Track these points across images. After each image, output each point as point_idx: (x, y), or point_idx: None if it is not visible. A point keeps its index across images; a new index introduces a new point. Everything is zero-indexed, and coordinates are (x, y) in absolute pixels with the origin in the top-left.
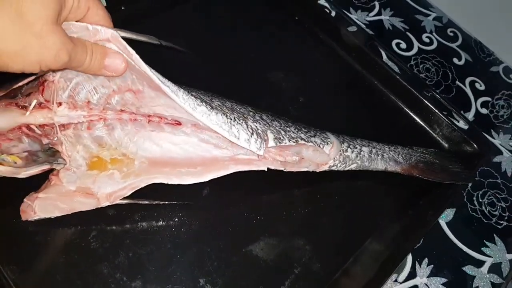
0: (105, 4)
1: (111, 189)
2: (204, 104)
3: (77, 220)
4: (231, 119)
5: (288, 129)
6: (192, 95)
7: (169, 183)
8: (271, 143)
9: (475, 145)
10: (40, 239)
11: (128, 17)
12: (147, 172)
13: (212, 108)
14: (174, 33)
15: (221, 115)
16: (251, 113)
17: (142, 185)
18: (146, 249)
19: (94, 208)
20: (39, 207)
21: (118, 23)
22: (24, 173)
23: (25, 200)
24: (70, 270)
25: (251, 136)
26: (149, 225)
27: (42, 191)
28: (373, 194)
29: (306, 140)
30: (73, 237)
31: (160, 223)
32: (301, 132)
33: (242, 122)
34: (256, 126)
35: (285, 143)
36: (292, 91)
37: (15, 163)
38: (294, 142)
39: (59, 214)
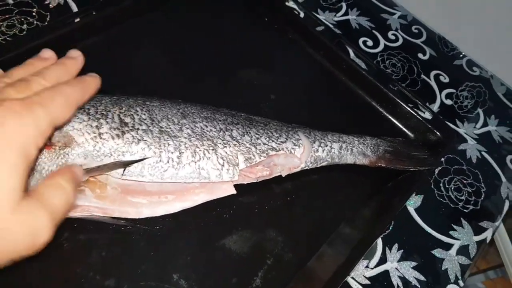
0: (75, 10)
1: (79, 203)
2: (171, 162)
3: None
4: (199, 160)
5: (258, 141)
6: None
7: (140, 217)
8: (242, 165)
9: (439, 134)
10: None
11: (98, 23)
12: (121, 201)
13: (179, 161)
14: (144, 35)
15: (189, 164)
16: (221, 132)
17: (114, 215)
18: (119, 248)
19: None
20: None
21: (88, 29)
22: None
23: None
24: (44, 270)
25: (222, 169)
26: (122, 224)
27: None
28: (342, 184)
29: (277, 149)
30: None
31: (132, 222)
32: (272, 140)
33: (211, 155)
34: (226, 152)
35: (256, 161)
36: (264, 88)
37: None
38: (265, 156)
39: None
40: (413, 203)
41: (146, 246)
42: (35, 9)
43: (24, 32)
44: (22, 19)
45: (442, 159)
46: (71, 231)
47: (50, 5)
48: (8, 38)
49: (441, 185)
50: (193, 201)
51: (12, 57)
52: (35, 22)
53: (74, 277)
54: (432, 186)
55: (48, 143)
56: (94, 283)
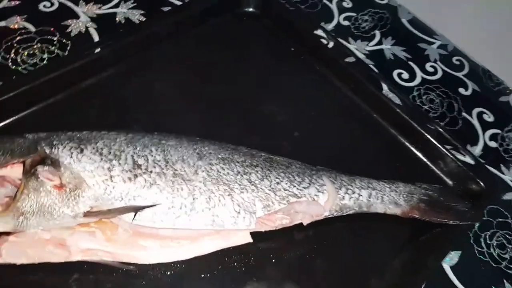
0: (96, 38)
1: (89, 246)
2: (183, 208)
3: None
4: (214, 207)
5: (279, 186)
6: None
7: (150, 262)
8: (260, 213)
9: (481, 183)
10: (19, 282)
11: (119, 51)
12: (132, 245)
13: (192, 208)
14: (165, 66)
15: (202, 211)
16: (238, 176)
17: (123, 260)
18: None
19: (64, 260)
20: (6, 251)
21: (110, 59)
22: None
23: None
24: None
25: (238, 217)
26: (131, 269)
27: (13, 235)
28: (370, 235)
29: (298, 195)
30: (54, 281)
31: (142, 267)
32: (294, 185)
33: (227, 201)
34: (242, 198)
35: (275, 208)
36: (287, 125)
37: None
38: (285, 204)
39: (25, 262)
40: (449, 260)
41: None
42: (56, 38)
43: (45, 62)
44: (44, 47)
45: (484, 211)
46: (81, 272)
47: (72, 34)
48: (29, 67)
49: (482, 240)
50: (206, 248)
51: (32, 87)
52: (56, 51)
53: None
54: (472, 241)
55: (59, 184)
56: None
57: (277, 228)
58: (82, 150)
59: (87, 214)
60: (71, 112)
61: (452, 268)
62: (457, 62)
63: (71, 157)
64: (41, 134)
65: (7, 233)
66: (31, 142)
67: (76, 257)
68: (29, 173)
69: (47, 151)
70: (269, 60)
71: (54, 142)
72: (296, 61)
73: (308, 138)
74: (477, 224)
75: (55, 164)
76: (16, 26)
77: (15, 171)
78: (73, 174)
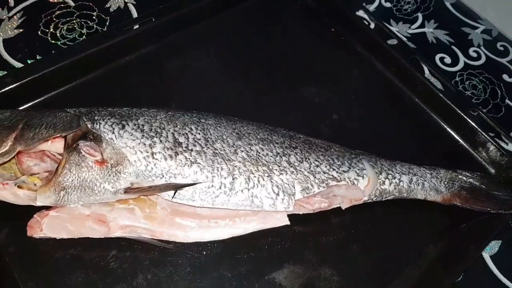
0: (135, 14)
1: (128, 223)
2: (223, 188)
3: (97, 238)
4: (253, 188)
5: (318, 169)
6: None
7: (188, 241)
8: (299, 195)
9: None
10: (59, 257)
11: (158, 28)
12: (170, 224)
13: (232, 187)
14: (205, 44)
15: (241, 191)
16: (278, 157)
17: (162, 237)
18: (165, 272)
19: (103, 236)
20: (47, 225)
21: (149, 35)
22: (41, 201)
23: (35, 216)
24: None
25: (276, 199)
26: (169, 247)
27: (54, 209)
28: (409, 221)
29: (338, 178)
30: (92, 256)
31: (180, 245)
32: (333, 169)
33: (266, 182)
34: (281, 180)
35: (314, 191)
36: (325, 107)
37: (35, 185)
38: (324, 187)
39: (65, 236)
40: (489, 249)
41: (191, 272)
42: (95, 13)
43: (84, 37)
44: (82, 22)
45: None
46: (119, 249)
47: (111, 9)
48: (68, 42)
49: None
50: (243, 228)
51: (71, 63)
52: (95, 26)
53: None
54: None
55: (100, 160)
56: None
57: (315, 212)
58: (123, 126)
59: (127, 190)
60: (109, 88)
61: (492, 257)
62: (501, 48)
63: (113, 132)
64: (82, 109)
65: (48, 207)
66: (73, 117)
67: (115, 233)
68: (71, 147)
69: (89, 126)
70: (309, 41)
71: (96, 118)
72: (337, 42)
73: (347, 121)
74: None
75: (97, 139)
76: (55, 0)
77: (55, 146)
78: (115, 149)
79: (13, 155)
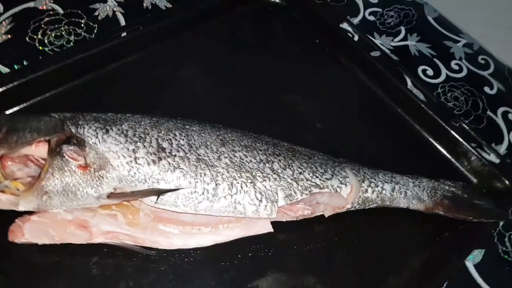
0: (123, 23)
1: (111, 229)
2: (206, 194)
3: (79, 244)
4: (236, 194)
5: (301, 176)
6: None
7: (170, 248)
8: (282, 202)
9: (506, 181)
10: (40, 262)
11: (145, 37)
12: (152, 230)
13: (215, 194)
14: (191, 53)
15: (225, 198)
16: (261, 164)
17: (145, 244)
18: (147, 279)
19: (85, 242)
20: (29, 230)
21: (136, 43)
22: (23, 206)
23: (16, 220)
24: None
25: (259, 205)
26: (152, 254)
27: (36, 214)
28: (392, 230)
29: (321, 186)
30: (74, 262)
31: (163, 252)
32: (316, 176)
33: (249, 188)
34: (264, 187)
35: (297, 198)
36: (310, 116)
37: (18, 189)
38: (307, 194)
39: (47, 242)
40: (472, 258)
41: (174, 280)
42: (83, 20)
43: (71, 44)
44: (71, 29)
45: (510, 210)
46: (101, 256)
47: (99, 17)
48: (55, 49)
49: (506, 239)
50: (227, 235)
51: (57, 69)
52: (82, 34)
53: None
54: (496, 240)
55: (83, 164)
56: None
57: (298, 219)
58: (107, 131)
59: (110, 195)
60: (95, 94)
61: (475, 266)
62: (483, 61)
63: (97, 137)
64: (66, 114)
65: (31, 213)
66: (57, 121)
67: (97, 239)
68: (55, 152)
69: (73, 130)
70: (293, 52)
71: (80, 122)
72: (321, 53)
73: (330, 131)
74: (501, 223)
75: (80, 143)
76: (44, 7)
77: (39, 150)
78: (98, 154)
79: None
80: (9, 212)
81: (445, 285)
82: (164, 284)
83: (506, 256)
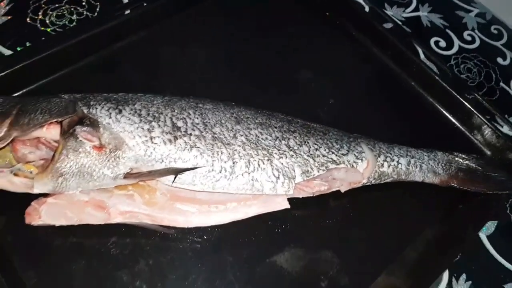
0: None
1: (128, 209)
2: (223, 172)
3: (97, 224)
4: (253, 171)
5: (317, 152)
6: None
7: (189, 226)
8: (299, 178)
9: None
10: (59, 244)
11: (150, 13)
12: (170, 209)
13: (232, 171)
14: (196, 32)
15: (242, 175)
16: (277, 141)
17: (163, 223)
18: (166, 257)
19: (104, 223)
20: (45, 212)
21: (138, 20)
22: (38, 188)
23: (32, 203)
24: (89, 277)
25: (277, 182)
26: (170, 232)
27: (52, 196)
28: (407, 204)
29: (337, 162)
30: (92, 243)
31: (181, 230)
32: (332, 152)
33: (266, 166)
34: (281, 164)
35: (314, 174)
36: (322, 92)
37: (31, 172)
38: (323, 170)
39: (64, 223)
40: (485, 229)
41: (193, 257)
42: None
43: (74, 23)
44: (72, 9)
45: None
46: (119, 236)
47: None
48: (57, 29)
49: None
50: (244, 213)
51: (62, 49)
52: (84, 13)
53: (120, 284)
54: (508, 211)
55: (98, 145)
56: None
57: (314, 195)
58: (120, 111)
59: (127, 175)
60: (102, 74)
61: (488, 237)
62: (495, 31)
63: (110, 117)
64: (76, 95)
65: (46, 195)
66: (68, 103)
67: (115, 219)
68: (68, 133)
69: (85, 111)
70: (304, 26)
71: (91, 103)
72: (332, 26)
73: (343, 106)
74: None
75: (94, 124)
76: None
77: (51, 132)
78: (113, 134)
79: (8, 141)
80: (24, 195)
81: (459, 256)
82: (183, 261)
83: None
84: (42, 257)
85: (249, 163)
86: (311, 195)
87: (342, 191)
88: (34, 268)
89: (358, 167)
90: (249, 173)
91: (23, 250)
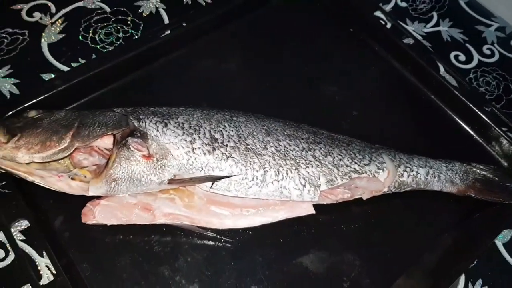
0: (166, 19)
1: (170, 211)
2: (255, 180)
3: (141, 225)
4: (282, 180)
5: (341, 162)
6: (245, 176)
7: (223, 228)
8: (323, 187)
9: None
10: (109, 241)
11: (187, 33)
12: (207, 212)
13: (263, 179)
14: (230, 47)
15: (272, 183)
16: (304, 152)
17: (200, 224)
18: (202, 255)
19: (149, 223)
20: (99, 213)
21: (178, 39)
22: (93, 191)
23: (87, 204)
24: (135, 270)
25: (303, 190)
26: (206, 233)
27: (105, 199)
28: (426, 211)
29: (360, 171)
30: (138, 241)
31: (216, 231)
32: (355, 162)
33: (294, 175)
34: (308, 173)
35: (337, 183)
36: (345, 104)
37: (85, 177)
38: (347, 179)
39: (115, 223)
40: (502, 237)
41: (227, 256)
42: (129, 18)
43: (120, 40)
44: (118, 27)
45: None
46: (161, 235)
47: (143, 14)
48: (106, 46)
49: None
50: (273, 217)
51: (112, 66)
52: (130, 31)
53: (162, 278)
54: None
55: (147, 154)
56: (180, 286)
57: (338, 202)
58: (166, 124)
59: (171, 181)
60: (146, 89)
61: (504, 245)
62: None
63: (157, 130)
64: (127, 109)
65: (99, 197)
66: (121, 116)
67: (159, 220)
68: (121, 143)
69: (136, 124)
70: (328, 42)
71: (141, 116)
72: (355, 42)
73: (366, 118)
74: None
75: (143, 136)
76: (92, 6)
77: (104, 142)
78: (160, 145)
79: (71, 151)
80: (79, 197)
81: (475, 262)
82: (217, 259)
83: None
84: (95, 252)
85: (278, 172)
86: (335, 202)
87: (364, 198)
88: (88, 261)
89: (379, 176)
90: (278, 181)
91: (79, 245)
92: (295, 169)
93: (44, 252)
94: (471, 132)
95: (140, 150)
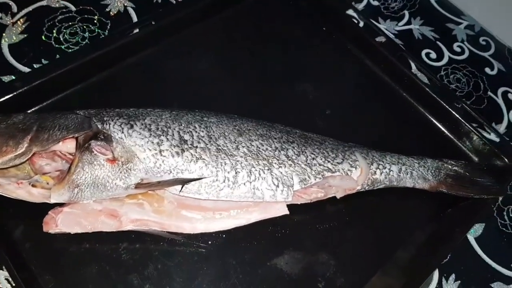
0: (135, 18)
1: (139, 216)
2: (226, 181)
3: (108, 232)
4: (254, 180)
5: (314, 161)
6: (216, 177)
7: (194, 232)
8: (297, 186)
9: (506, 159)
10: (74, 250)
11: (157, 31)
12: (177, 216)
13: (235, 181)
14: (202, 46)
15: (244, 184)
16: (276, 152)
17: (171, 229)
18: (174, 261)
19: (116, 230)
20: (61, 221)
21: (147, 37)
22: (55, 198)
23: (49, 212)
24: (102, 280)
25: (276, 190)
26: (177, 238)
27: (68, 206)
28: (399, 208)
29: (333, 170)
30: (105, 249)
31: (187, 236)
32: (328, 161)
33: (266, 175)
34: (281, 173)
35: (311, 182)
36: (319, 103)
37: (47, 183)
38: (320, 178)
39: (79, 231)
40: (473, 231)
41: (199, 261)
42: (96, 17)
43: (86, 40)
44: (84, 26)
45: (508, 186)
46: (129, 242)
47: (111, 13)
48: (71, 46)
49: (505, 213)
50: (246, 219)
51: (76, 67)
52: (96, 30)
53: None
54: (495, 214)
55: (111, 158)
56: None
57: (312, 201)
58: (132, 126)
59: (138, 185)
60: (113, 90)
61: (476, 239)
62: (484, 43)
63: (122, 132)
64: (91, 111)
65: (62, 204)
66: (84, 119)
67: (126, 226)
68: (83, 147)
69: (99, 126)
70: (301, 40)
71: (105, 118)
72: (328, 40)
73: (340, 116)
74: (500, 198)
75: (107, 139)
76: (57, 5)
77: (66, 146)
78: (125, 148)
79: (29, 156)
80: (41, 205)
81: (448, 257)
82: (189, 265)
83: (504, 229)
84: (58, 262)
85: (250, 172)
86: (309, 202)
87: (338, 197)
88: (51, 272)
89: (353, 174)
90: (250, 182)
91: (41, 256)
92: (268, 170)
93: (3, 265)
94: (443, 129)
95: (104, 154)
